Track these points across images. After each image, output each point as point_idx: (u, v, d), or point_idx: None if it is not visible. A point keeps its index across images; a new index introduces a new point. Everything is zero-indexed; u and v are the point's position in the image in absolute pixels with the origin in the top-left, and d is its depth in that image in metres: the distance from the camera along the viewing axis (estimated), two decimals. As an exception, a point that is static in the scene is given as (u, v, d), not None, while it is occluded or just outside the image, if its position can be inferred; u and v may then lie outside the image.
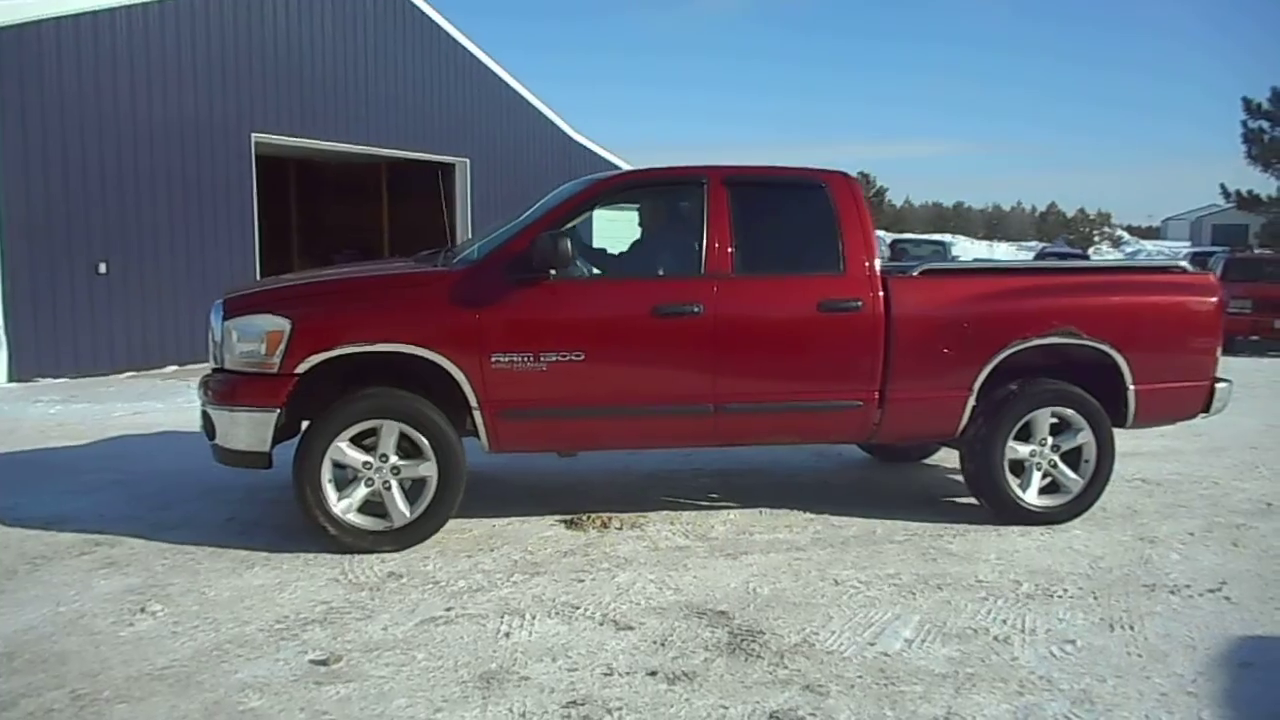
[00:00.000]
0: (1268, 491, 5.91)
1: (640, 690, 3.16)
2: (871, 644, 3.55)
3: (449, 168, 17.20)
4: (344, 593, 4.05)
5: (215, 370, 4.81)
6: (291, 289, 5.08)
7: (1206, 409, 5.43)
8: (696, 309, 4.81)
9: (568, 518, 5.16)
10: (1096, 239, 65.01)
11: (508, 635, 3.60)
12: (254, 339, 4.55)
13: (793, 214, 5.29)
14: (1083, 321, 5.10)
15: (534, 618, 3.77)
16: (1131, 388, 5.17)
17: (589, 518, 5.13)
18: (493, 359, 4.62)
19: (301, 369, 4.51)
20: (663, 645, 3.52)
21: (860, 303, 4.94)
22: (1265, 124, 22.11)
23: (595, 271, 5.26)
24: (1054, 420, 5.13)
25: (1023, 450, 5.10)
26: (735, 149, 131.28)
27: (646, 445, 5.71)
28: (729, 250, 4.95)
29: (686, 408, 4.92)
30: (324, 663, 3.36)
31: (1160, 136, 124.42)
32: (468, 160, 17.16)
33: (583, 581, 4.20)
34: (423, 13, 16.11)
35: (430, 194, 17.92)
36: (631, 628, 3.68)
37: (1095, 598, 4.07)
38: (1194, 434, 7.25)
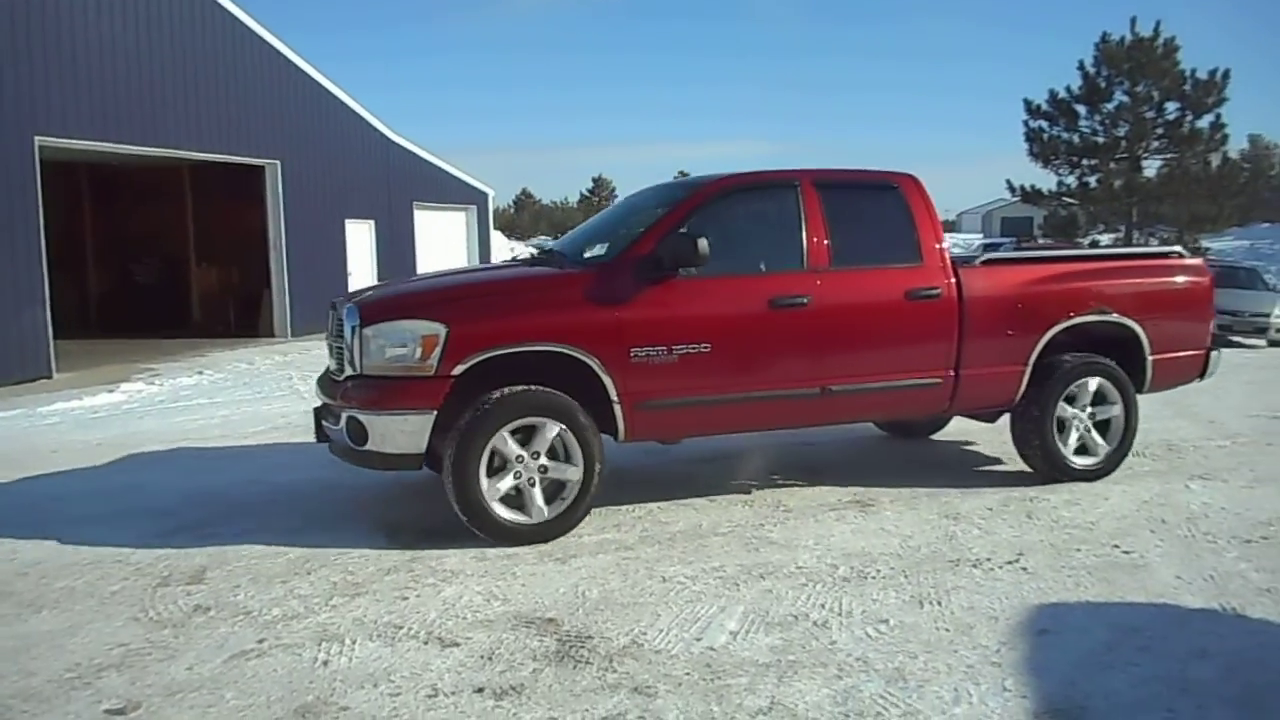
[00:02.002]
0: (1056, 463, 6.35)
1: (467, 709, 3.08)
2: (698, 639, 3.60)
3: (258, 170, 16.42)
4: (144, 632, 3.77)
5: (353, 377, 4.86)
6: (434, 293, 5.29)
7: (1203, 374, 6.33)
8: (804, 300, 5.25)
9: (391, 531, 5.00)
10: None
11: (326, 663, 3.44)
12: (406, 343, 4.70)
13: (873, 211, 5.76)
14: (1113, 301, 5.92)
15: (354, 642, 3.62)
16: (1150, 358, 6.02)
17: (413, 530, 4.99)
18: (631, 353, 4.90)
19: (458, 371, 4.67)
20: (490, 659, 3.45)
21: (939, 290, 5.53)
22: (1044, 124, 23.92)
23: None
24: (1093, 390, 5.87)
25: (1068, 411, 5.81)
26: (559, 149, 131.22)
27: (762, 428, 6.01)
28: (825, 245, 5.39)
29: (799, 391, 5.32)
30: (120, 712, 3.11)
31: (952, 136, 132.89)
32: (278, 163, 16.43)
33: (407, 599, 4.07)
34: (228, 12, 15.29)
35: (238, 198, 17.11)
36: (458, 644, 3.59)
37: (906, 576, 4.28)
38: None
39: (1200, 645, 3.53)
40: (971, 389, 5.68)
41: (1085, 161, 23.58)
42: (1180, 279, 6.32)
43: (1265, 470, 6.18)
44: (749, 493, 5.74)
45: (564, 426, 4.78)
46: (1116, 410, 5.91)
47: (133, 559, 4.64)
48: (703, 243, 4.88)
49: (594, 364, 4.84)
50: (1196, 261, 6.68)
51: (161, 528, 5.15)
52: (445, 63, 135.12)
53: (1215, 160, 22.67)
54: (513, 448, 4.72)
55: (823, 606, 3.92)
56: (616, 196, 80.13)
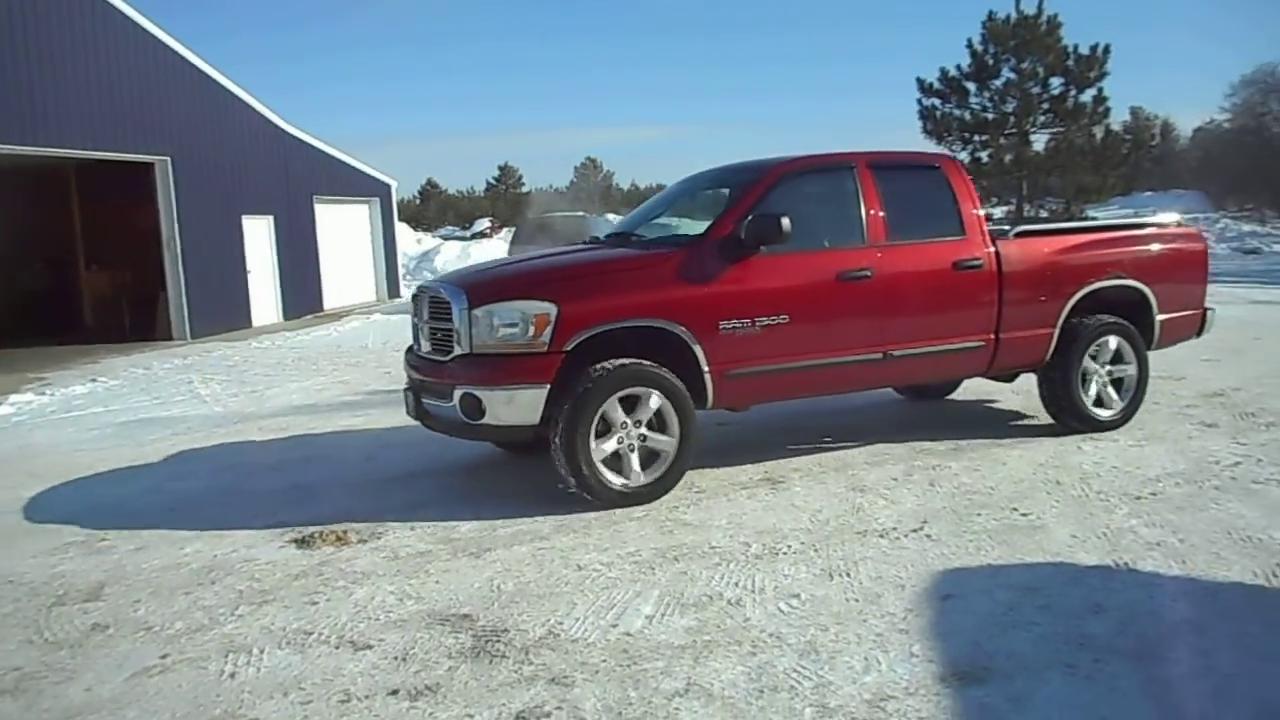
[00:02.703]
0: (956, 438, 6.56)
1: (381, 712, 3.04)
2: (614, 625, 3.61)
3: (148, 168, 15.79)
4: (39, 654, 3.61)
5: (463, 355, 5.16)
6: (539, 274, 5.54)
7: (1200, 331, 7.04)
8: (868, 273, 5.69)
9: (299, 536, 4.89)
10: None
11: (233, 676, 3.35)
12: (517, 322, 5.02)
13: (920, 189, 6.21)
14: (1127, 267, 6.52)
15: (263, 651, 3.53)
16: (1158, 318, 6.65)
17: (322, 533, 4.88)
18: (720, 326, 5.30)
19: (568, 347, 5.02)
20: (404, 660, 3.40)
21: (981, 261, 6.03)
22: (937, 101, 24.49)
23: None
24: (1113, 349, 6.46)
25: (1091, 368, 6.40)
26: (464, 138, 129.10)
27: (832, 391, 6.48)
28: (882, 221, 5.84)
29: (864, 356, 5.77)
30: (14, 740, 2.98)
31: (850, 112, 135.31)
32: (168, 159, 15.81)
33: (316, 604, 3.99)
34: (107, 2, 14.61)
35: (128, 197, 16.42)
36: (370, 646, 3.53)
37: (816, 550, 4.36)
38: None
39: (1096, 601, 3.68)
40: (1009, 350, 6.21)
41: (977, 137, 24.22)
42: (1180, 245, 6.93)
43: (1153, 429, 6.47)
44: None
45: (665, 399, 5.18)
46: (1131, 370, 6.54)
47: (25, 579, 4.44)
48: (785, 221, 5.28)
49: (687, 337, 5.25)
50: (1193, 230, 7.33)
51: (55, 544, 4.94)
52: (346, 57, 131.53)
53: (1099, 133, 23.51)
54: (620, 414, 5.10)
55: (736, 585, 3.97)
56: (524, 184, 79.52)
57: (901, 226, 5.92)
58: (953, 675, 3.13)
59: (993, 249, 6.09)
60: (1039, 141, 24.21)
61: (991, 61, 23.85)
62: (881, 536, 4.52)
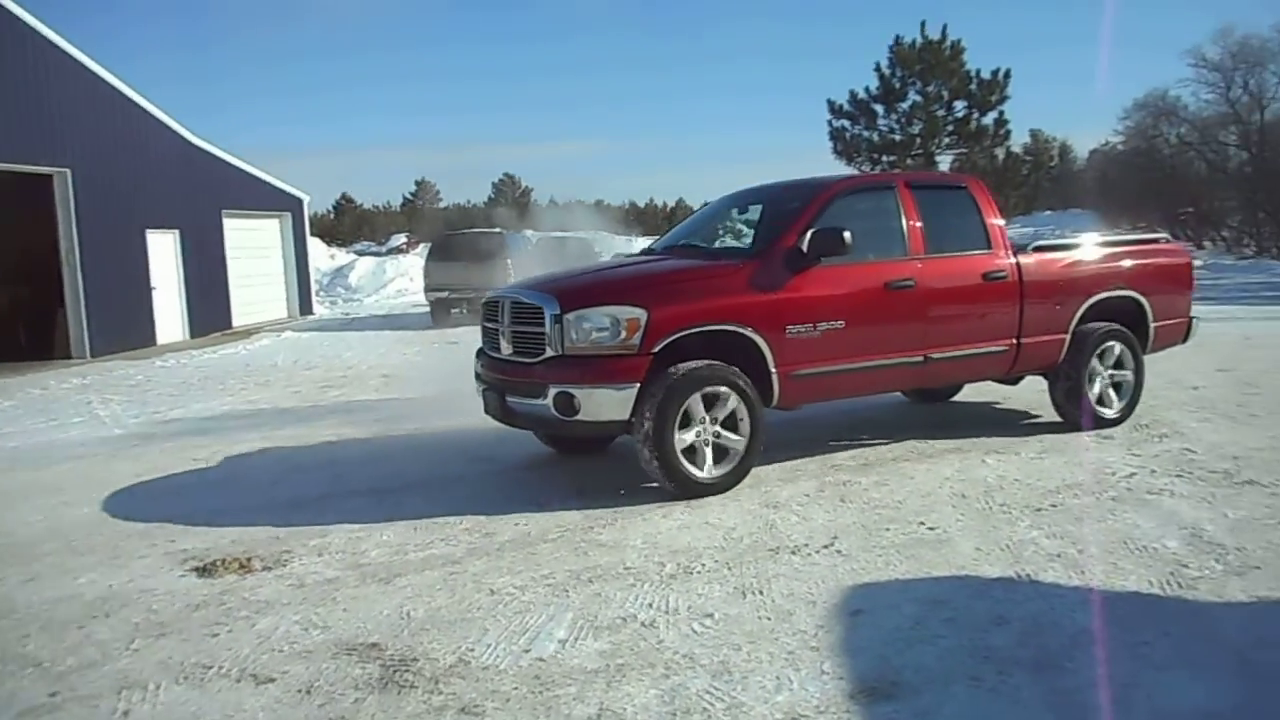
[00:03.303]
0: (865, 450, 6.68)
1: (283, 748, 2.94)
2: (527, 650, 3.57)
3: (46, 180, 15.17)
4: (-87, 699, 3.40)
5: (554, 357, 5.53)
6: (625, 282, 5.91)
7: (1187, 337, 7.73)
8: (911, 282, 6.23)
9: (200, 564, 4.72)
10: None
11: (126, 714, 3.20)
12: (608, 326, 5.44)
13: (951, 206, 6.77)
14: (1127, 279, 7.18)
15: (159, 687, 3.39)
16: (1153, 325, 7.32)
17: (224, 561, 4.72)
18: (787, 330, 5.76)
19: (656, 349, 5.44)
20: (308, 693, 3.30)
21: (1006, 273, 6.63)
22: (846, 123, 25.16)
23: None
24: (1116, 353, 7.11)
25: (1097, 370, 7.02)
26: (383, 150, 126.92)
27: (879, 391, 7.16)
28: (922, 236, 6.40)
29: (908, 359, 6.28)
30: (-117, 792, 2.80)
31: (766, 135, 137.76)
32: (68, 171, 15.23)
33: (217, 636, 3.85)
34: (4, 9, 14.03)
35: (26, 210, 15.72)
36: (273, 679, 3.42)
37: (730, 568, 4.38)
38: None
39: (999, 613, 3.78)
40: (1029, 354, 6.81)
41: (885, 158, 24.94)
42: (1169, 259, 7.65)
43: (1052, 442, 6.69)
44: (579, 494, 5.74)
45: (740, 400, 5.60)
46: (1129, 373, 7.18)
47: (-101, 618, 4.19)
48: (847, 235, 5.77)
49: (759, 340, 5.69)
50: (1180, 245, 8.16)
51: (-67, 580, 4.67)
52: (258, 72, 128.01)
53: (1000, 154, 24.43)
54: (700, 410, 5.53)
55: (650, 606, 3.96)
56: (442, 199, 78.73)
57: (936, 240, 6.49)
58: (862, 692, 3.16)
59: (1015, 261, 6.72)
60: (944, 162, 24.99)
61: (899, 85, 24.60)
62: (794, 553, 4.56)
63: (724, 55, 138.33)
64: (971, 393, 8.53)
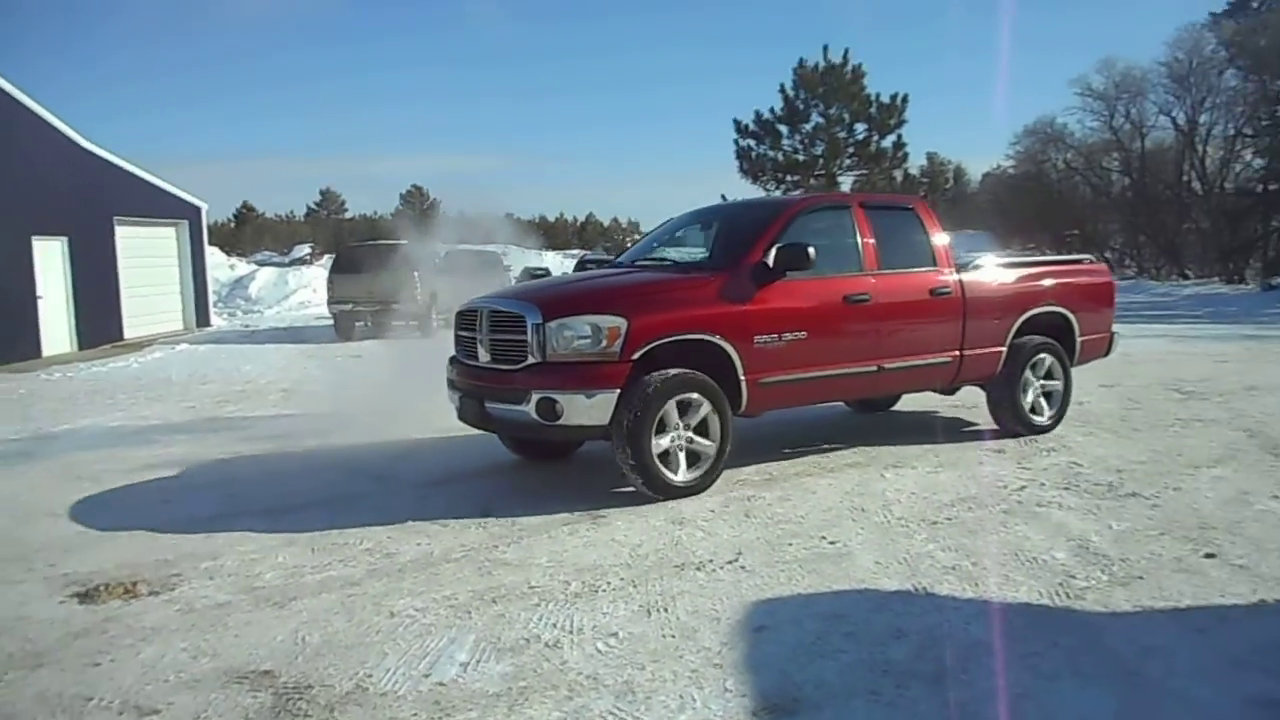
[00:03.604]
0: (770, 465, 6.76)
1: (167, 784, 2.81)
2: (427, 675, 3.49)
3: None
4: None
5: (536, 364, 5.71)
6: (604, 292, 6.16)
7: (1108, 350, 8.33)
8: (867, 297, 6.60)
9: (82, 589, 4.49)
10: (629, 245, 71.31)
11: (-5, 753, 3.03)
12: (591, 334, 5.64)
13: (900, 226, 7.19)
14: (1056, 296, 7.73)
15: (32, 723, 3.21)
16: (1079, 339, 7.87)
17: (108, 585, 4.51)
18: (755, 340, 6.06)
19: (635, 356, 5.66)
20: (196, 724, 3.17)
21: (951, 288, 7.08)
22: (752, 142, 25.59)
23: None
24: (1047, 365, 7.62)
25: (1030, 378, 7.51)
26: (284, 160, 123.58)
27: (836, 399, 7.72)
28: (875, 253, 6.80)
29: (864, 368, 6.65)
30: None
31: (674, 153, 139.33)
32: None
33: (99, 665, 3.66)
34: None
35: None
36: (158, 711, 3.27)
37: (635, 586, 4.37)
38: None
39: (898, 626, 3.85)
40: (971, 365, 7.26)
41: (789, 177, 25.45)
42: (1094, 279, 8.28)
43: (946, 456, 6.88)
44: (483, 513, 5.66)
45: (712, 408, 5.87)
46: (1058, 384, 7.72)
47: None
48: (811, 250, 6.11)
49: (729, 349, 5.98)
50: (1102, 266, 8.84)
51: None
52: (157, 77, 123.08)
53: (899, 176, 25.16)
54: (675, 416, 5.77)
55: (554, 626, 3.92)
56: (348, 210, 77.14)
57: (888, 257, 6.90)
58: (764, 709, 3.18)
59: (959, 278, 7.17)
60: (846, 183, 25.62)
61: (802, 106, 25.15)
62: (699, 569, 4.58)
63: (637, 78, 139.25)
64: (897, 404, 8.71)
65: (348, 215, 75.62)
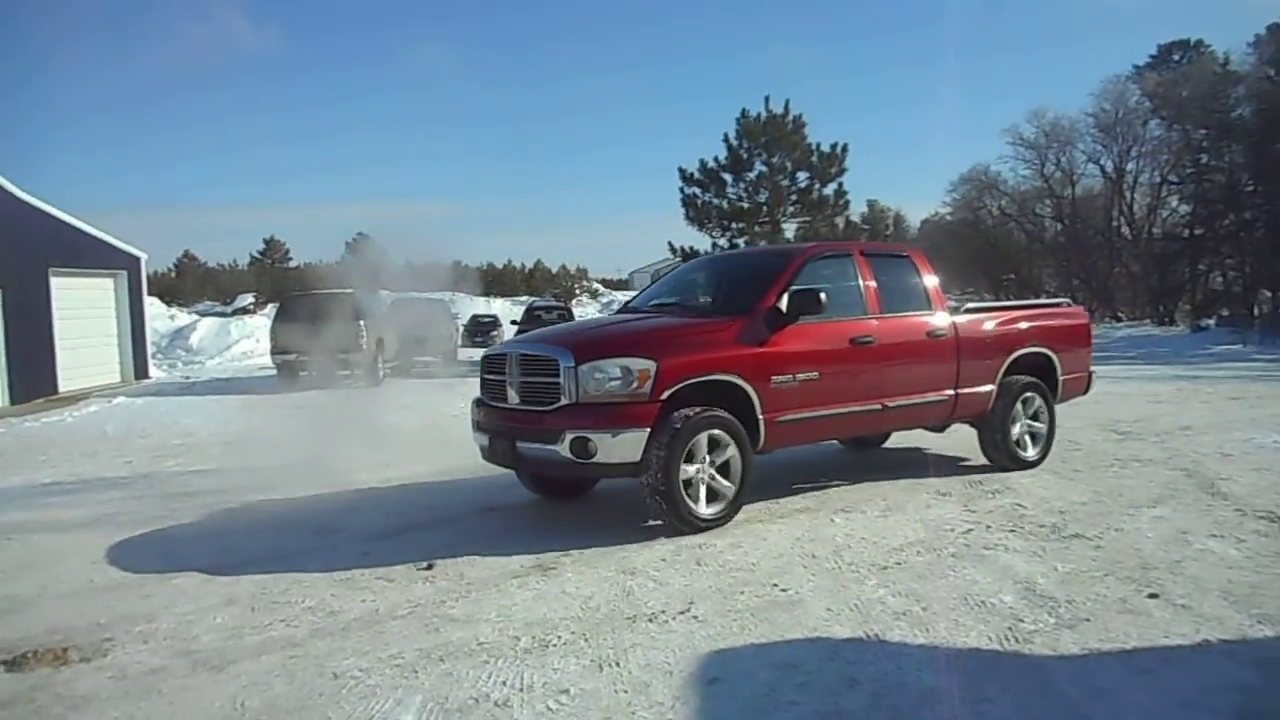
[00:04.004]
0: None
1: None
2: (373, 738, 3.39)
3: None
4: None
5: (569, 405, 5.98)
6: (633, 336, 6.40)
7: (1087, 389, 8.79)
8: (871, 339, 6.98)
9: (9, 656, 4.30)
10: (577, 292, 71.40)
11: (-90, 836, 2.86)
12: (623, 376, 5.93)
13: (899, 273, 7.63)
14: (1042, 337, 8.18)
15: (-49, 803, 3.05)
16: (1061, 378, 8.32)
17: (37, 652, 4.33)
18: (771, 380, 6.38)
19: (664, 396, 5.96)
20: (128, 798, 3.03)
21: (946, 331, 7.50)
22: (697, 190, 25.92)
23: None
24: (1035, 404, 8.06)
25: (1018, 414, 7.95)
26: (230, 208, 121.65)
27: (844, 435, 8.04)
28: (877, 298, 7.21)
29: (870, 406, 7.00)
30: None
31: (621, 200, 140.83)
32: None
33: (25, 738, 3.50)
34: None
35: None
36: (88, 785, 3.12)
37: (586, 639, 4.30)
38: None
39: (850, 675, 3.84)
40: (965, 402, 7.66)
41: (734, 224, 25.77)
42: (1073, 320, 8.80)
43: (894, 499, 6.93)
44: (430, 567, 5.55)
45: (734, 444, 6.18)
46: (1043, 421, 8.14)
47: None
48: (823, 295, 6.51)
49: (749, 389, 6.28)
50: (1080, 309, 9.31)
51: None
52: (97, 122, 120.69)
53: (841, 223, 25.62)
54: (701, 452, 6.09)
55: (504, 684, 3.84)
56: (292, 258, 76.24)
57: (889, 302, 7.31)
58: (719, 763, 3.14)
59: (953, 321, 7.59)
60: (789, 230, 26.01)
61: (745, 155, 25.54)
62: (651, 621, 4.53)
63: (586, 124, 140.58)
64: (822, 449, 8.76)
65: (292, 263, 74.72)
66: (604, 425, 5.87)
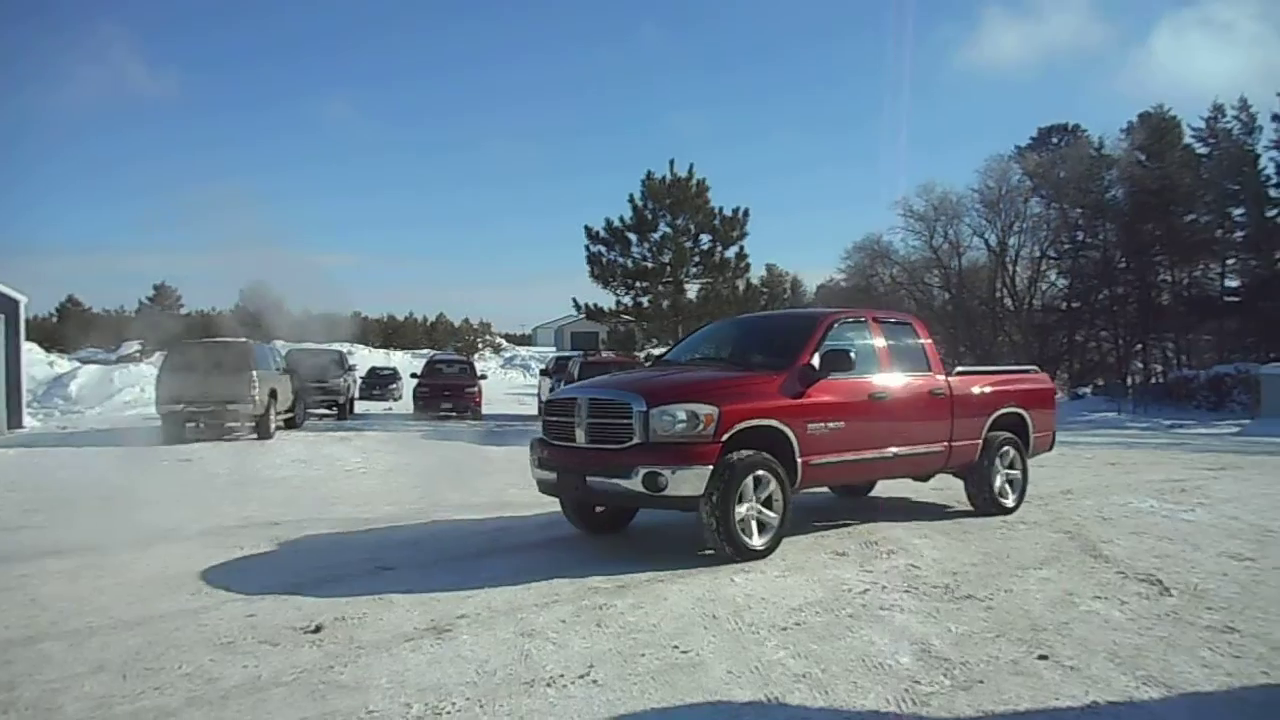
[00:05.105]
0: (621, 574, 6.66)
1: None
2: (251, 815, 3.18)
3: None
4: None
5: (640, 444, 6.77)
6: (696, 385, 7.19)
7: (1051, 446, 10.02)
8: (885, 395, 8.00)
9: None
10: (480, 345, 70.82)
11: None
12: (692, 419, 6.73)
13: (903, 336, 8.71)
14: (1017, 399, 9.31)
15: None
16: (1033, 435, 9.42)
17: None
18: (808, 427, 7.26)
19: (725, 438, 6.76)
20: None
21: (943, 390, 8.52)
22: (603, 249, 26.16)
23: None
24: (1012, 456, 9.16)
25: (998, 466, 8.98)
26: (117, 253, 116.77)
27: (860, 479, 9.13)
28: (889, 358, 8.26)
29: (882, 453, 7.95)
30: None
31: (527, 258, 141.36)
32: None
33: None
34: None
35: None
36: None
37: (481, 706, 4.16)
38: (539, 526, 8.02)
39: (750, 738, 3.79)
40: (958, 453, 8.64)
41: (638, 283, 26.04)
42: (1040, 385, 10.04)
43: (794, 560, 6.97)
44: (317, 630, 5.31)
45: (777, 482, 6.97)
46: (1018, 472, 9.20)
47: None
48: (853, 354, 7.54)
49: (790, 434, 7.13)
50: (1045, 375, 10.55)
51: None
52: None
53: (741, 285, 26.14)
54: (750, 489, 6.88)
55: (394, 754, 3.67)
56: (184, 305, 73.60)
57: (898, 362, 8.33)
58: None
59: (948, 381, 8.59)
60: (692, 290, 26.38)
61: (650, 216, 25.92)
62: (549, 685, 4.41)
63: (490, 180, 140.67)
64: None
65: (184, 311, 72.18)
66: (674, 461, 6.62)
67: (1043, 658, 4.78)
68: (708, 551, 7.04)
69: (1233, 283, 42.24)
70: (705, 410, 6.74)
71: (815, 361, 7.51)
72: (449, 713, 4.09)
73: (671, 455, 6.66)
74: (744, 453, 6.83)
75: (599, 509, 8.05)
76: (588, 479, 7.00)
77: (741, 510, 6.81)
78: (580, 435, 7.20)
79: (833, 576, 6.49)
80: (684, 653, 4.87)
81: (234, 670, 4.65)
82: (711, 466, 6.67)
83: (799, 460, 7.18)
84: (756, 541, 6.90)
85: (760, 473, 6.90)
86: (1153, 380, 40.18)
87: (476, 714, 4.07)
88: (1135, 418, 31.40)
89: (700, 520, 6.83)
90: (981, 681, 4.44)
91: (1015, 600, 5.88)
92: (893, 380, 8.15)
